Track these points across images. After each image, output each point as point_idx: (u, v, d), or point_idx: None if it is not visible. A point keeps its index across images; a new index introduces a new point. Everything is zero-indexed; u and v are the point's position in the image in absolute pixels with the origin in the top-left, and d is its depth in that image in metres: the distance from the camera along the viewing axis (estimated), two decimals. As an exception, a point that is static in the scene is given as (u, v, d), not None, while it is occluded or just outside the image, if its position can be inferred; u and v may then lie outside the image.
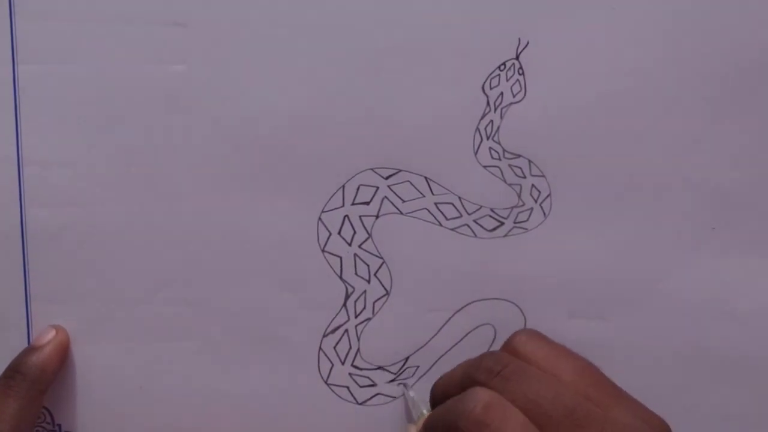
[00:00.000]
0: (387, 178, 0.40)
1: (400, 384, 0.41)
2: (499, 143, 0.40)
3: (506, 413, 0.29)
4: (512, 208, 0.40)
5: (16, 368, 0.38)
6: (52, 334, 0.39)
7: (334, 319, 0.41)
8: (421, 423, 0.35)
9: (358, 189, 0.40)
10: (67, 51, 0.38)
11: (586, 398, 0.31)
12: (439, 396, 0.35)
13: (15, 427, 0.37)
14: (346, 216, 0.40)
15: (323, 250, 0.40)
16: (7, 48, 0.38)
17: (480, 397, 0.30)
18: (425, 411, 0.36)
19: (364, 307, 0.41)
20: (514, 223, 0.40)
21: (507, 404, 0.30)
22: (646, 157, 0.40)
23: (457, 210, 0.40)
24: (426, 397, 0.38)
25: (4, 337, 0.40)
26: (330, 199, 0.40)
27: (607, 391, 0.32)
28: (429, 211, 0.40)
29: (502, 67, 0.39)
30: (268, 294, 0.40)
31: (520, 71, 0.39)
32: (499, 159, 0.40)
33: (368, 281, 0.40)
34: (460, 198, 0.40)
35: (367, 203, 0.40)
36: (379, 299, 0.41)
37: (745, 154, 0.40)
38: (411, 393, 0.40)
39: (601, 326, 0.41)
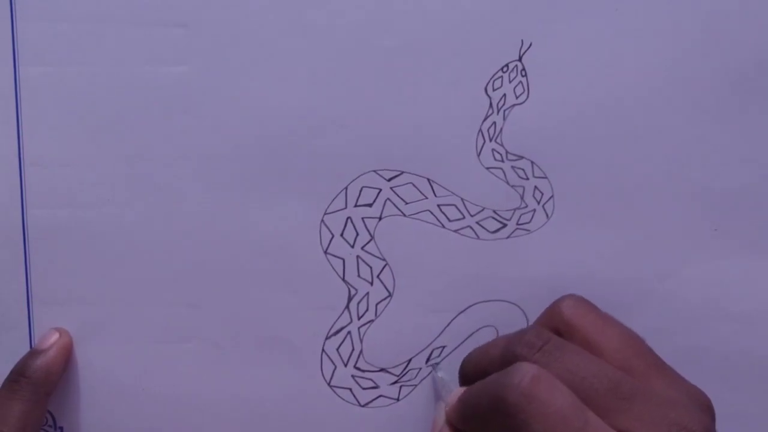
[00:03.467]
0: (390, 179, 0.40)
1: (429, 365, 0.41)
2: (501, 145, 0.40)
3: (554, 386, 0.29)
4: (515, 209, 0.40)
5: (20, 372, 0.38)
6: (55, 336, 0.39)
7: (336, 321, 0.41)
8: (452, 399, 0.34)
9: (360, 191, 0.40)
10: (68, 52, 0.38)
11: (629, 369, 0.32)
12: (471, 372, 0.35)
13: (21, 430, 0.37)
14: (349, 218, 0.40)
15: (326, 252, 0.40)
16: (9, 49, 0.38)
17: (527, 371, 0.29)
18: (454, 388, 0.36)
19: (367, 309, 0.41)
20: (517, 224, 0.40)
21: (554, 378, 0.29)
22: (649, 159, 0.40)
23: (460, 212, 0.40)
24: (453, 377, 0.38)
25: (6, 339, 0.39)
26: (332, 201, 0.40)
27: (650, 363, 0.32)
28: (432, 212, 0.40)
29: (504, 69, 0.39)
30: (270, 296, 0.40)
31: (523, 73, 0.39)
32: (502, 161, 0.40)
33: (371, 283, 0.40)
34: (462, 200, 0.40)
35: (370, 205, 0.40)
36: (381, 301, 0.41)
37: (747, 155, 0.40)
38: (440, 373, 0.40)
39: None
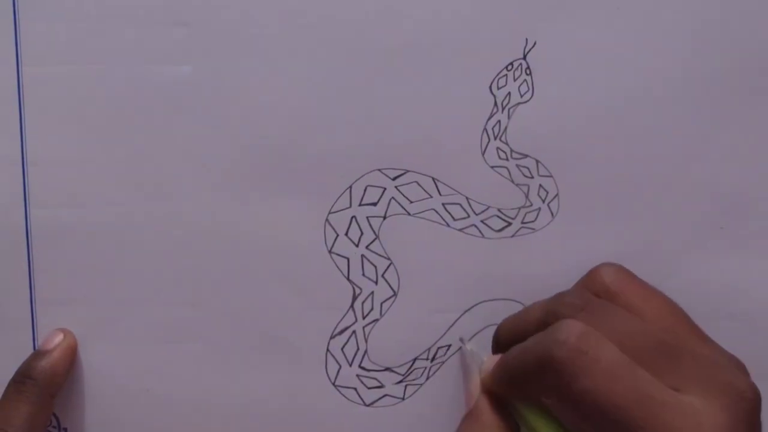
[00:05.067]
0: (394, 178, 0.40)
1: (459, 338, 0.41)
2: (506, 143, 0.40)
3: (601, 342, 0.29)
4: (520, 208, 0.40)
5: (26, 373, 0.38)
6: (59, 337, 0.39)
7: (341, 320, 0.40)
8: (488, 365, 0.34)
9: (365, 190, 0.40)
10: (70, 52, 0.38)
11: (674, 335, 0.31)
12: (505, 339, 0.34)
13: (27, 431, 0.37)
14: (354, 217, 0.40)
15: (330, 252, 0.40)
16: (11, 49, 0.38)
17: (574, 326, 0.29)
18: (485, 358, 0.35)
19: (372, 308, 0.40)
20: (522, 223, 0.40)
21: (600, 334, 0.29)
22: (654, 157, 0.40)
23: (465, 210, 0.40)
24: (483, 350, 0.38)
25: (9, 340, 0.39)
26: (337, 200, 0.40)
27: (693, 331, 0.32)
28: (436, 211, 0.40)
29: (509, 67, 0.39)
30: (274, 295, 0.40)
31: (528, 71, 0.39)
32: (507, 159, 0.40)
33: (376, 282, 0.40)
34: (467, 198, 0.40)
35: (375, 204, 0.40)
36: (386, 300, 0.41)
37: (753, 153, 0.40)
38: (468, 345, 0.39)
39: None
